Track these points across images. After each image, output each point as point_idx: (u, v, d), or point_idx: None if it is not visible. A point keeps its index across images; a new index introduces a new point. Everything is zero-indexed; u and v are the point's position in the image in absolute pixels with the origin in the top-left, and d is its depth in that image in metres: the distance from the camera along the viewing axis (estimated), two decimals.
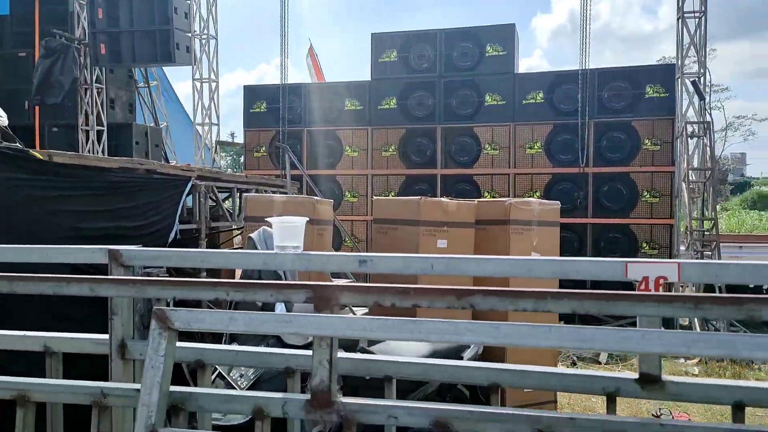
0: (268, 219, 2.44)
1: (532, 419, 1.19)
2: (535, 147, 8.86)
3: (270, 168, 9.71)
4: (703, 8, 7.69)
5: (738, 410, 1.26)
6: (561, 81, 8.70)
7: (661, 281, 1.17)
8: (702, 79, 7.83)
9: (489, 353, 4.16)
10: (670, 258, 8.21)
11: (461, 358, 3.33)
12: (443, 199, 4.40)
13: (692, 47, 7.70)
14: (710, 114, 7.57)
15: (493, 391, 1.67)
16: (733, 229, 19.40)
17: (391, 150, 9.38)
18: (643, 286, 1.17)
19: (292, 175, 8.33)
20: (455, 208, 4.33)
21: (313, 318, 1.21)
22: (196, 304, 2.33)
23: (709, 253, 7.29)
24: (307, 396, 1.27)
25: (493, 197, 9.07)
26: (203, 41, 10.80)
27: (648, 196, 8.40)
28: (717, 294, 1.16)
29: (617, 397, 1.30)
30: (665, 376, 1.27)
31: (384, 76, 9.39)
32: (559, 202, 4.85)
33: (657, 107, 8.32)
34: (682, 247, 8.51)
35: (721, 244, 8.38)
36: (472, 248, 4.38)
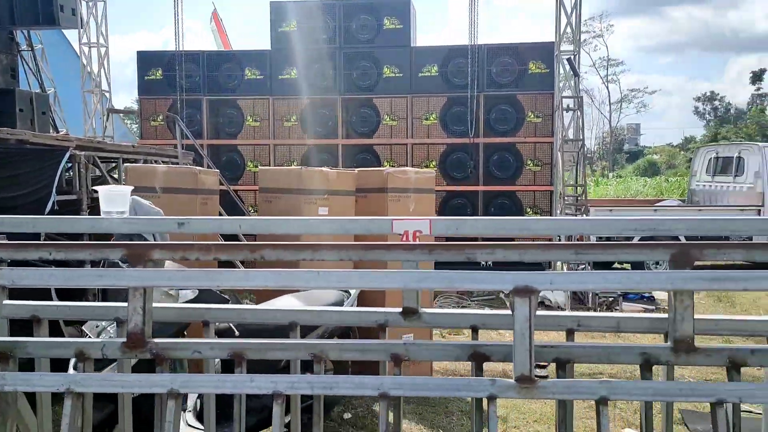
0: (96, 188, 2.64)
1: (309, 346, 1.52)
2: (431, 118, 9.30)
3: (169, 137, 9.60)
4: None
5: (474, 332, 1.66)
6: (454, 55, 9.13)
7: (418, 234, 1.51)
8: (576, 57, 8.49)
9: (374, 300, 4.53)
10: None
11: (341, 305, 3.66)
12: (324, 168, 4.69)
13: (569, 26, 8.31)
14: (585, 90, 8.24)
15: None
16: (620, 194, 21.01)
17: (293, 120, 9.53)
18: (404, 238, 1.51)
19: (190, 145, 8.32)
20: (336, 177, 4.64)
21: (125, 272, 1.46)
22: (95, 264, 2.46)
23: (573, 215, 8.05)
24: (123, 339, 1.52)
25: (393, 166, 9.47)
26: (90, 4, 10.34)
27: (531, 164, 9.07)
28: (445, 243, 1.51)
29: (386, 327, 1.66)
30: (422, 309, 1.63)
31: (284, 45, 9.46)
32: (434, 171, 5.27)
33: (539, 82, 8.95)
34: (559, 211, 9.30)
35: (593, 208, 9.24)
36: (353, 214, 4.71)
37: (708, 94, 68.66)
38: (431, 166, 9.34)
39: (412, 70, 9.24)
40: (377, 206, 4.81)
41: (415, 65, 9.23)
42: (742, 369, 1.48)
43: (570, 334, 1.68)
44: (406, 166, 9.36)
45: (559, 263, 8.00)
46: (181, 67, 9.41)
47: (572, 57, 8.47)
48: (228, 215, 5.85)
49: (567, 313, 1.69)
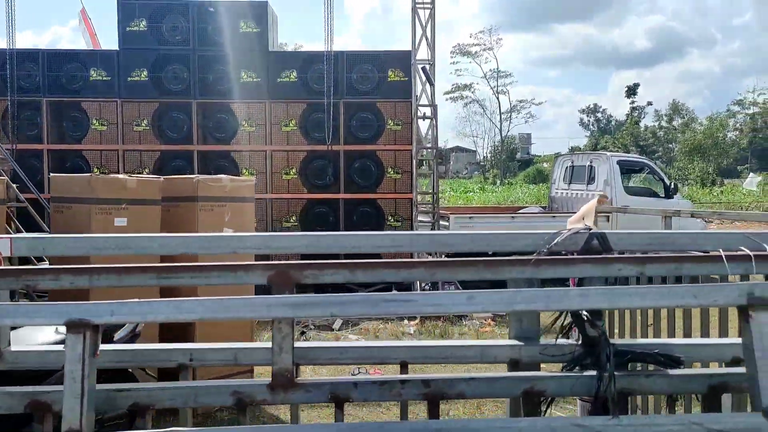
0: None
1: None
2: (291, 125, 9.09)
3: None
4: (432, 0, 8.44)
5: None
6: (313, 61, 8.99)
7: None
8: (432, 66, 8.61)
9: (178, 329, 4.23)
10: (411, 229, 9.02)
11: (112, 339, 3.33)
12: (120, 175, 4.35)
13: (424, 38, 8.42)
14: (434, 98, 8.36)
15: None
16: (501, 200, 21.83)
17: (144, 125, 8.99)
18: None
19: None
20: (136, 185, 4.30)
21: None
22: None
23: (431, 222, 8.14)
24: None
25: (251, 174, 9.17)
26: None
27: (392, 172, 9.09)
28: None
29: None
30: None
31: (134, 46, 8.92)
32: (254, 178, 5.06)
33: (398, 90, 8.99)
34: (423, 218, 9.41)
35: (452, 215, 9.40)
36: (157, 225, 4.39)
37: (591, 106, 73.69)
38: (291, 173, 9.14)
39: (270, 75, 9.00)
40: (188, 217, 4.53)
41: (273, 70, 9.00)
42: None
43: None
44: (265, 173, 9.11)
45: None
46: (13, 65, 8.61)
47: (427, 66, 8.57)
48: (26, 230, 5.32)
49: (177, 345, 1.52)
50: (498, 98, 51.98)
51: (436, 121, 8.56)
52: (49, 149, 8.88)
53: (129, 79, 8.93)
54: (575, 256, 1.41)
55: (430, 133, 8.61)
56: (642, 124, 53.92)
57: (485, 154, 62.91)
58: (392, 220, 9.15)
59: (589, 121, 72.26)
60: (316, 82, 8.99)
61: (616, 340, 1.49)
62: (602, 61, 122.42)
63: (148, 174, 9.04)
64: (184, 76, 8.96)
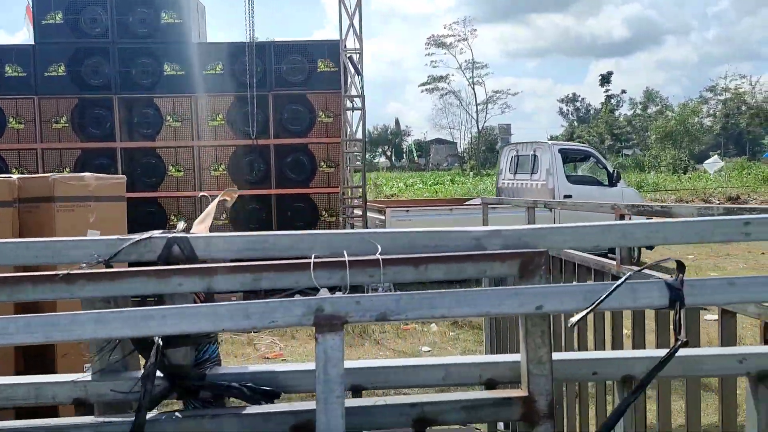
0: None
1: None
2: (218, 119, 8.78)
3: None
4: None
5: None
6: (240, 52, 8.65)
7: None
8: (360, 56, 8.33)
9: None
10: (343, 225, 8.75)
11: None
12: None
13: (351, 27, 8.13)
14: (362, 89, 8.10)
15: None
16: (465, 192, 21.61)
17: (62, 122, 8.63)
18: None
19: None
20: None
21: None
22: None
23: (360, 215, 7.89)
24: None
25: (179, 171, 8.86)
26: None
27: (324, 166, 8.81)
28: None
29: None
30: None
31: (50, 39, 8.54)
32: (124, 176, 4.76)
33: (328, 81, 8.69)
34: (359, 211, 9.15)
35: (389, 209, 9.15)
36: (9, 229, 4.08)
37: (570, 95, 73.81)
38: (220, 169, 8.84)
39: (195, 68, 8.66)
40: (45, 218, 4.23)
41: (198, 63, 8.66)
42: None
43: None
44: (194, 170, 8.79)
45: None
46: None
47: (354, 55, 8.29)
48: None
49: None
50: (474, 89, 51.72)
51: (365, 113, 8.28)
52: None
53: (46, 74, 8.56)
54: (122, 270, 1.15)
55: (361, 124, 8.33)
56: (619, 113, 54.03)
57: (464, 146, 62.84)
58: (326, 215, 8.89)
59: (568, 110, 72.37)
60: (243, 75, 8.67)
61: (220, 370, 1.23)
62: (581, 51, 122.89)
63: (69, 173, 8.71)
64: (105, 70, 8.60)
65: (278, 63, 8.70)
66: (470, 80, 50.87)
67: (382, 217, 9.28)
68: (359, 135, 8.28)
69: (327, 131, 8.77)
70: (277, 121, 8.77)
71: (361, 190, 8.01)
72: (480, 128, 52.39)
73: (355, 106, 8.25)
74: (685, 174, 32.47)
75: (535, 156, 10.36)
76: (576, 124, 64.35)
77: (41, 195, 4.25)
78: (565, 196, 9.71)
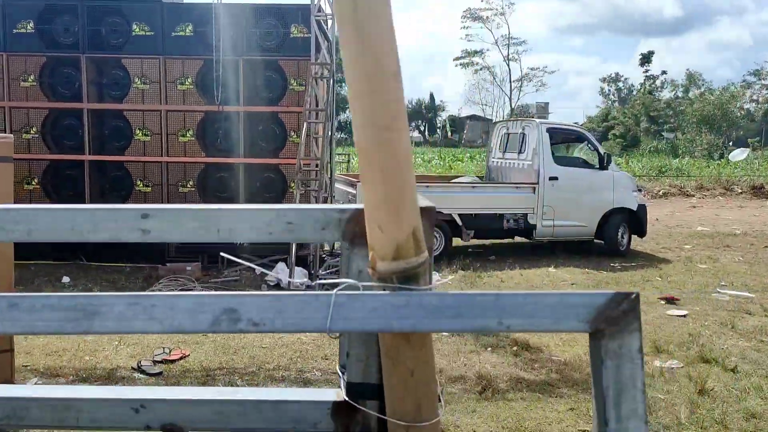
0: None
1: None
2: (187, 83, 8.52)
3: None
4: None
5: None
6: (207, 14, 8.29)
7: None
8: (330, 20, 7.91)
9: None
10: (317, 199, 8.45)
11: None
12: None
13: None
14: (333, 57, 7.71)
15: None
16: (476, 170, 20.99)
17: (30, 80, 8.49)
18: None
19: None
20: None
21: None
22: None
23: (317, 189, 7.58)
24: None
25: (146, 135, 8.67)
26: None
27: (295, 136, 8.48)
28: None
29: None
30: None
31: None
32: (12, 135, 4.53)
33: (301, 47, 8.32)
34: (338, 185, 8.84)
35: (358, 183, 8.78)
36: None
37: (613, 75, 71.21)
38: (188, 135, 8.61)
39: (164, 29, 8.38)
40: None
41: (167, 24, 8.38)
42: None
43: None
44: (161, 134, 8.58)
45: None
46: None
47: (323, 20, 7.88)
48: None
49: None
50: (509, 66, 50.27)
51: (333, 81, 7.90)
52: None
53: (15, 30, 8.40)
54: None
55: (327, 93, 7.95)
56: (661, 94, 51.79)
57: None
58: (301, 186, 8.58)
59: (609, 90, 69.94)
60: (212, 37, 8.35)
61: None
62: (630, 29, 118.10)
63: (35, 134, 8.61)
64: (74, 29, 8.39)
65: (251, 27, 8.35)
66: (506, 56, 49.40)
67: (353, 191, 8.95)
68: (322, 105, 7.90)
69: (299, 100, 8.42)
70: (248, 87, 8.45)
71: (319, 162, 7.67)
72: (513, 106, 51.06)
73: (323, 74, 7.86)
74: (720, 160, 31.03)
75: (524, 135, 9.83)
76: (617, 104, 62.16)
77: None
78: (551, 178, 9.19)
